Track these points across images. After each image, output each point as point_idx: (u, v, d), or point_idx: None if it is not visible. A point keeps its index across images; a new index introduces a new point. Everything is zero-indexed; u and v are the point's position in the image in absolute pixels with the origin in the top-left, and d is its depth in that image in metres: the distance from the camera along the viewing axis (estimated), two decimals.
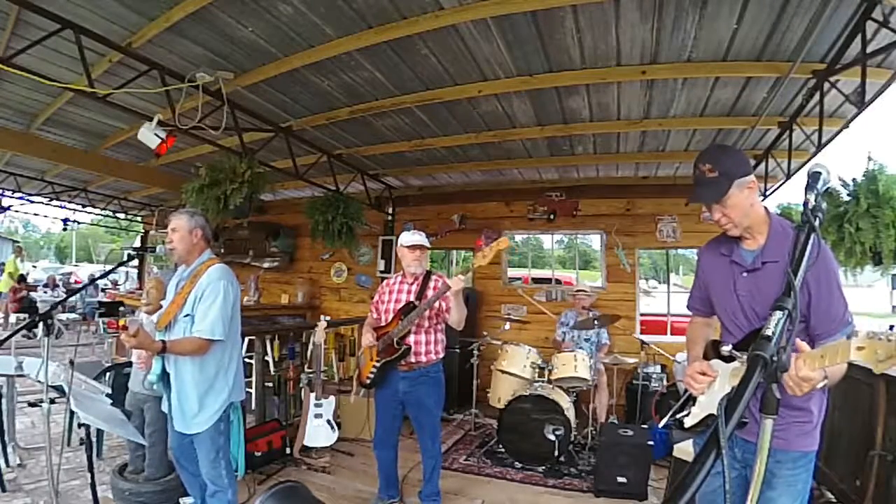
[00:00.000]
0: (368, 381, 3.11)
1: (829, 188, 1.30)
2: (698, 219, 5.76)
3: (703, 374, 1.55)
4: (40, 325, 2.06)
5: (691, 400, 1.67)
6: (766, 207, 1.61)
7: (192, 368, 2.36)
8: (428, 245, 3.14)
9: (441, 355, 3.14)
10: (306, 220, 6.33)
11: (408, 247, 3.10)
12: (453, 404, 5.35)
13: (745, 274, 1.58)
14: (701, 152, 1.61)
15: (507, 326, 5.32)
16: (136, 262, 11.23)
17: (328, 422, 3.96)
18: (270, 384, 4.52)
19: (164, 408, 2.55)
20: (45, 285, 11.86)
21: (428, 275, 3.15)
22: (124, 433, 2.46)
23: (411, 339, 3.03)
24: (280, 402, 4.52)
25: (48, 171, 7.49)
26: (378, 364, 3.04)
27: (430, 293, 3.07)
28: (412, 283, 3.14)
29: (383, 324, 3.13)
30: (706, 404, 1.56)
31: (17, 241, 17.63)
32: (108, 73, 3.61)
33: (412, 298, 3.08)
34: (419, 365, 3.04)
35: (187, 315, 2.35)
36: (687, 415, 1.64)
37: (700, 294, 1.81)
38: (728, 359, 1.52)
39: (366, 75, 3.71)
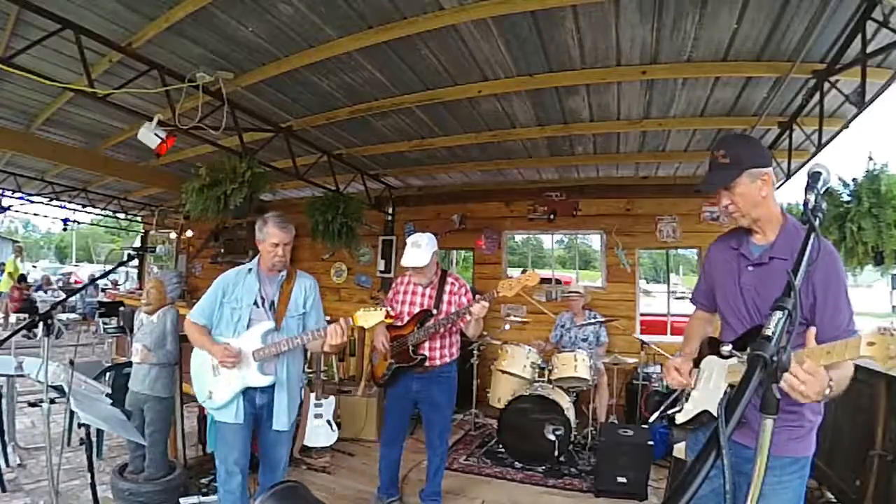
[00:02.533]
0: (382, 382, 3.13)
1: (829, 188, 1.29)
2: (698, 219, 5.76)
3: (678, 371, 1.58)
4: (40, 325, 2.07)
5: (684, 396, 1.66)
6: (782, 207, 1.60)
7: (297, 364, 2.54)
8: (422, 264, 2.97)
9: (455, 356, 3.14)
10: (306, 220, 6.33)
11: (406, 266, 3.05)
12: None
13: (750, 268, 1.57)
14: (720, 139, 1.61)
15: (507, 326, 5.32)
16: (136, 262, 11.24)
17: (328, 422, 3.96)
18: None
19: (238, 417, 2.36)
20: (40, 286, 11.87)
21: (444, 277, 3.11)
22: (124, 433, 2.46)
23: (426, 345, 3.03)
24: None
25: (48, 171, 7.49)
26: (392, 367, 3.05)
27: (445, 298, 3.05)
28: (427, 286, 3.10)
29: (398, 325, 3.11)
30: (699, 400, 1.56)
31: (17, 241, 17.60)
32: (108, 73, 3.60)
33: (429, 304, 3.06)
34: (433, 367, 3.04)
35: (303, 313, 2.50)
36: (679, 410, 1.64)
37: (705, 287, 1.80)
38: (725, 356, 1.52)
39: (366, 75, 3.71)
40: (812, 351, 1.10)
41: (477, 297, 2.86)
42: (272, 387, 2.41)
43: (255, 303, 2.42)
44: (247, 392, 2.39)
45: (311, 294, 2.54)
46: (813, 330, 1.19)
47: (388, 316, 2.44)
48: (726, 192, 1.53)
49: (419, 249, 2.98)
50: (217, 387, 2.39)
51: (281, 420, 2.43)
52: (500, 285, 2.77)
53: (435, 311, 3.01)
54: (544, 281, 7.55)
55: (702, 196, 5.62)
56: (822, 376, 1.11)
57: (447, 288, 3.08)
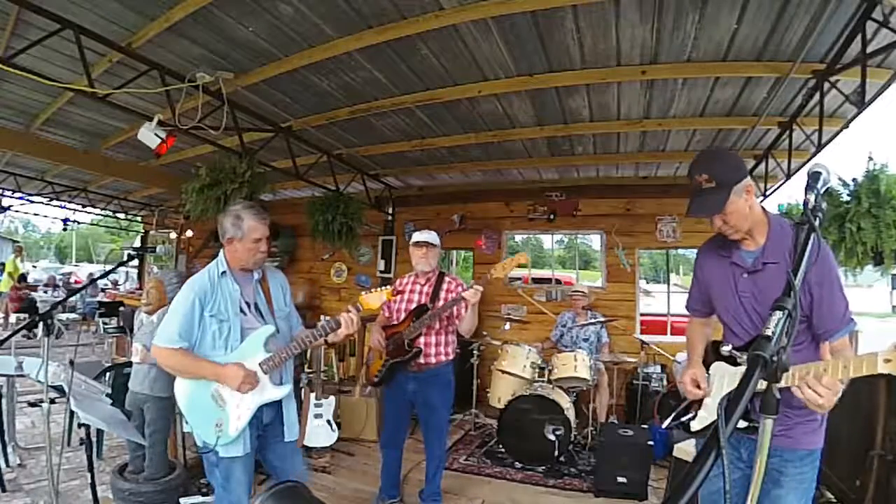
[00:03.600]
0: (377, 380, 3.12)
1: (829, 188, 1.30)
2: (698, 219, 5.75)
3: (697, 387, 1.57)
4: (40, 325, 2.06)
5: (696, 402, 1.66)
6: (763, 207, 1.60)
7: (292, 366, 2.31)
8: (434, 242, 3.12)
9: (451, 357, 3.14)
10: (306, 220, 6.33)
11: (414, 244, 3.12)
12: (454, 404, 5.34)
13: (745, 275, 1.57)
14: (694, 160, 1.58)
15: (507, 326, 5.33)
16: (136, 262, 11.24)
17: (328, 422, 3.96)
18: None
19: (246, 446, 2.05)
20: (46, 285, 11.87)
21: (441, 276, 3.13)
22: (124, 433, 2.46)
23: (421, 340, 3.03)
24: None
25: (48, 171, 7.49)
26: (387, 363, 3.04)
27: (442, 295, 3.07)
28: (425, 284, 3.13)
29: (395, 323, 3.11)
30: (712, 407, 1.55)
31: (17, 241, 17.62)
32: (108, 73, 3.61)
33: (425, 300, 3.07)
34: (429, 366, 3.03)
35: (289, 312, 2.29)
36: (693, 418, 1.64)
37: (699, 295, 1.80)
38: (733, 361, 1.52)
39: (366, 75, 3.71)
40: (829, 365, 1.12)
41: (472, 282, 2.88)
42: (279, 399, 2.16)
43: (241, 309, 2.09)
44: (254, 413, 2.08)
45: (286, 289, 2.30)
46: (827, 345, 1.26)
47: (393, 293, 2.36)
48: (718, 214, 1.52)
49: (429, 234, 3.15)
50: (228, 416, 2.00)
51: (293, 430, 2.23)
52: (493, 269, 2.82)
53: (430, 306, 3.02)
54: (544, 281, 7.57)
55: None
56: (839, 388, 1.16)
57: (444, 286, 3.10)
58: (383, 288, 2.35)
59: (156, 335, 2.04)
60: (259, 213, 2.13)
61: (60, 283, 12.72)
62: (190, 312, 2.00)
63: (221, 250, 2.15)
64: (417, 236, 3.14)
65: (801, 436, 1.50)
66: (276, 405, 2.17)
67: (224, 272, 2.10)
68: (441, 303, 3.03)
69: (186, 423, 2.12)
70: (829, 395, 1.15)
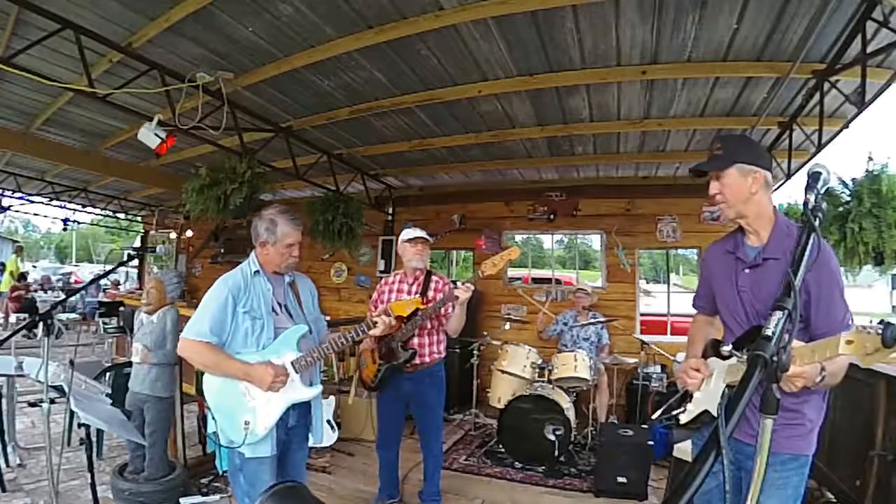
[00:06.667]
0: (374, 385, 3.09)
1: (829, 188, 1.31)
2: (698, 219, 5.77)
3: (697, 370, 1.58)
4: (40, 325, 2.06)
5: (688, 397, 1.67)
6: (775, 207, 1.62)
7: (320, 371, 2.36)
8: (430, 239, 3.12)
9: (443, 354, 3.13)
10: (306, 220, 6.33)
11: (408, 240, 3.07)
12: (453, 404, 5.35)
13: (746, 270, 1.59)
14: (720, 135, 1.70)
15: (507, 326, 5.33)
16: (136, 262, 11.24)
17: (328, 422, 3.95)
18: None
19: (273, 447, 2.01)
20: (41, 285, 11.88)
21: (429, 275, 3.12)
22: (124, 433, 2.46)
23: (415, 341, 3.01)
24: None
25: (48, 171, 7.49)
26: (382, 368, 3.03)
27: (430, 294, 3.05)
28: (413, 283, 3.11)
29: None
30: (701, 401, 1.58)
31: (18, 241, 17.61)
32: (108, 73, 3.61)
33: None
34: (423, 366, 3.03)
35: (317, 317, 2.32)
36: (682, 411, 1.65)
37: (705, 292, 1.83)
38: (725, 357, 1.52)
39: (366, 75, 3.71)
40: (798, 350, 1.12)
41: (460, 281, 2.85)
42: (307, 401, 2.12)
43: (273, 309, 2.10)
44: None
45: (315, 295, 2.36)
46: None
47: (424, 302, 2.52)
48: (716, 181, 1.59)
49: (421, 231, 3.11)
50: (256, 414, 1.95)
51: (318, 434, 2.21)
52: (484, 265, 2.78)
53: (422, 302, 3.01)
54: (544, 281, 7.56)
55: (702, 196, 5.64)
56: (811, 373, 1.21)
57: (432, 285, 3.09)
58: (414, 297, 2.48)
59: (185, 328, 1.98)
60: (293, 219, 2.17)
61: (60, 284, 12.74)
62: (223, 308, 1.97)
63: (252, 251, 2.19)
64: (411, 233, 3.08)
65: (784, 439, 1.47)
66: (305, 408, 2.15)
67: (257, 271, 2.14)
68: (430, 303, 3.02)
69: (213, 419, 2.02)
70: (800, 382, 1.23)
